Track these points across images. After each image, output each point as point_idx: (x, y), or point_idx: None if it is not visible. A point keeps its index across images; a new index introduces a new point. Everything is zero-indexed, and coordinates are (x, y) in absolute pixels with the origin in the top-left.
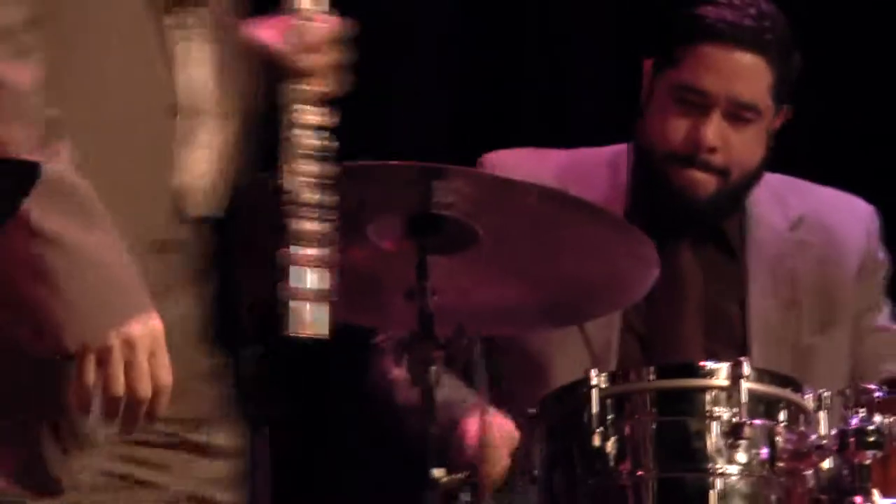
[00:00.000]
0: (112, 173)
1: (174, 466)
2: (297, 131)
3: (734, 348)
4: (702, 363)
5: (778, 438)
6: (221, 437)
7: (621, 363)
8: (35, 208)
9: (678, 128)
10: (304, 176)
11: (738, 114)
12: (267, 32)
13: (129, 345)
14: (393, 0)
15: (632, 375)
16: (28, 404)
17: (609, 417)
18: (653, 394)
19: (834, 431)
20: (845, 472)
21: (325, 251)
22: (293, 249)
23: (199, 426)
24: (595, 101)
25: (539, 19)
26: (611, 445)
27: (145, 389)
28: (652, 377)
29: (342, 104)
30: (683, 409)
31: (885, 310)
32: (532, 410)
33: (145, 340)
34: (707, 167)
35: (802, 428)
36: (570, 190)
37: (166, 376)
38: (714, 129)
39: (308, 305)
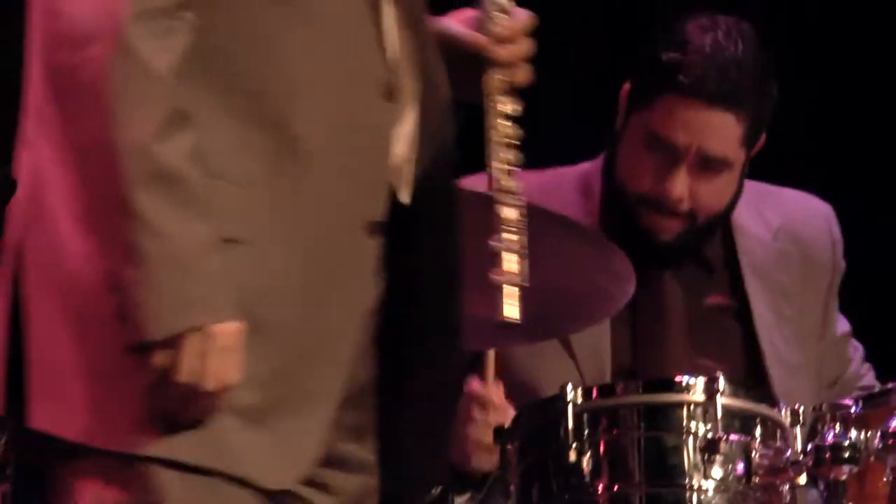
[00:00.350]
0: (338, 153)
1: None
2: (498, 120)
3: (728, 362)
4: (678, 378)
5: (754, 454)
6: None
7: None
8: (142, 194)
9: (647, 172)
10: (505, 164)
11: (707, 165)
12: (462, 24)
13: (203, 338)
14: None
15: (607, 390)
16: None
17: (585, 432)
18: (628, 409)
19: (809, 447)
20: (821, 487)
21: (524, 237)
22: (504, 235)
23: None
24: (562, 118)
25: None
26: (586, 460)
27: (209, 383)
28: (627, 392)
29: None
30: (659, 424)
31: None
32: (507, 425)
33: (220, 338)
34: (672, 214)
35: (778, 443)
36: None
37: (234, 375)
38: (681, 182)
39: (517, 290)
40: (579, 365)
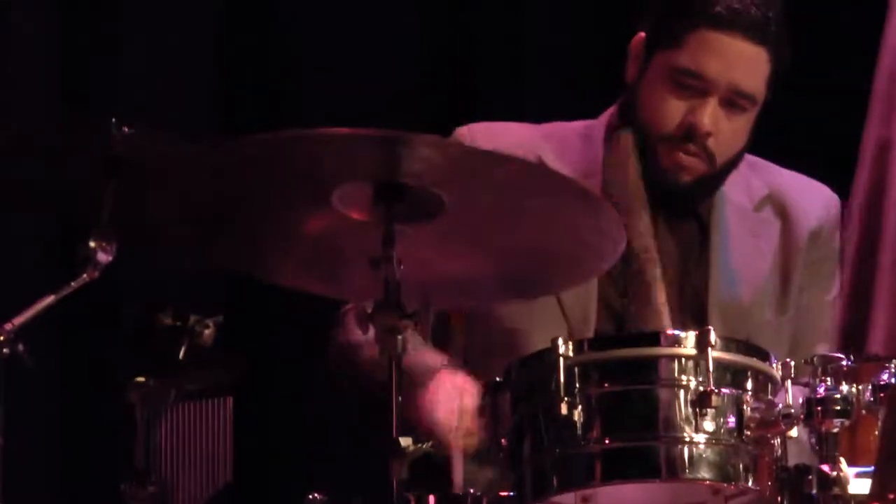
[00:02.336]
0: None
1: None
2: None
3: (698, 324)
4: (669, 332)
5: (745, 407)
6: None
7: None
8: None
9: (674, 110)
10: None
11: (735, 102)
12: None
13: None
14: None
15: (599, 344)
16: None
17: (576, 386)
18: (620, 362)
19: (801, 400)
20: (813, 440)
21: None
22: None
23: None
24: (557, 77)
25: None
26: (578, 414)
27: None
28: (619, 346)
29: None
30: (650, 377)
31: (831, 294)
32: (498, 379)
33: None
34: (698, 152)
35: (770, 396)
36: (546, 162)
37: None
38: (710, 115)
39: None
40: (569, 321)
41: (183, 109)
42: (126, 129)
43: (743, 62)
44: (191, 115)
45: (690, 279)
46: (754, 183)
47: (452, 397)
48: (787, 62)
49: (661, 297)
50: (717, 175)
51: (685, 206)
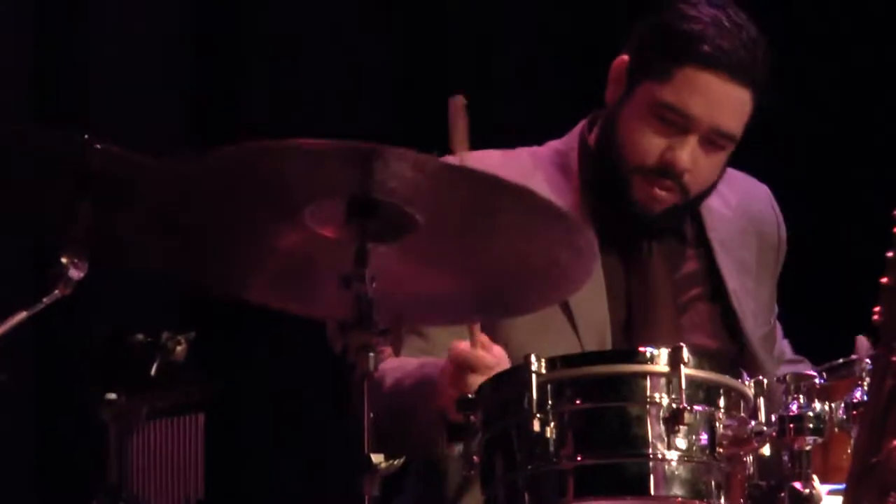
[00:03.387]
0: None
1: None
2: None
3: (711, 337)
4: (642, 349)
5: (718, 424)
6: None
7: None
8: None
9: (653, 144)
10: None
11: (715, 141)
12: None
13: None
14: None
15: (571, 361)
16: None
17: (549, 403)
18: (593, 379)
19: (774, 418)
20: (785, 458)
21: None
22: None
23: None
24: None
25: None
26: (550, 431)
27: None
28: (591, 362)
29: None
30: (623, 394)
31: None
32: (470, 395)
33: None
34: (672, 187)
35: (742, 414)
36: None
37: None
38: (690, 154)
39: None
40: (581, 339)
41: (156, 126)
42: (98, 146)
43: (728, 104)
44: (164, 132)
45: (691, 295)
46: (724, 191)
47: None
48: (766, 102)
49: (662, 315)
50: (688, 205)
51: (655, 234)
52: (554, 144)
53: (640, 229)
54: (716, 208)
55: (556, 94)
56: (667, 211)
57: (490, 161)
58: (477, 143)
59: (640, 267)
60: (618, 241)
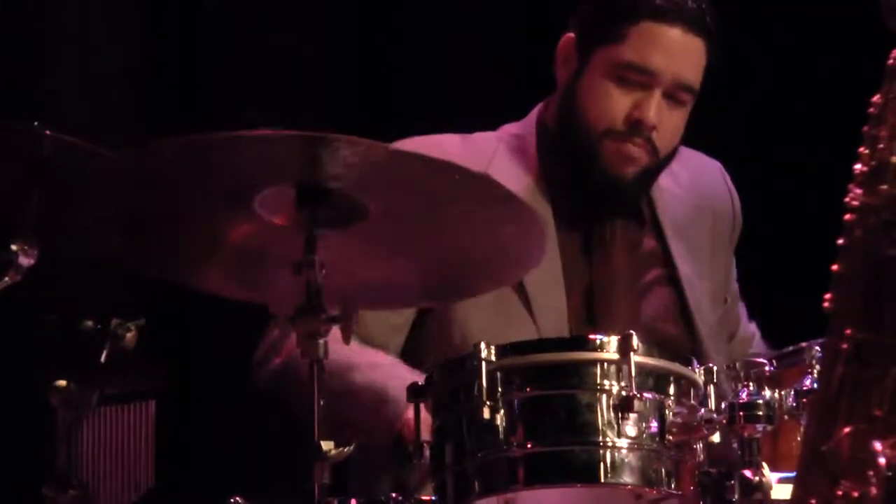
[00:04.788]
0: None
1: None
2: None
3: (670, 322)
4: (591, 336)
5: (667, 412)
6: None
7: None
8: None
9: (619, 105)
10: None
11: (677, 95)
12: None
13: None
14: None
15: (521, 348)
16: None
17: (499, 390)
18: (542, 366)
19: (723, 405)
20: (735, 445)
21: None
22: None
23: None
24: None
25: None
26: (500, 418)
27: None
28: (541, 350)
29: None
30: (573, 382)
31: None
32: (420, 383)
33: None
34: (643, 144)
35: (692, 401)
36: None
37: None
38: (656, 109)
39: None
40: (538, 325)
41: (108, 114)
42: (49, 133)
43: (685, 54)
44: (116, 120)
45: (649, 279)
46: (676, 168)
47: None
48: (718, 56)
49: (621, 300)
50: (657, 169)
51: (626, 201)
52: (510, 128)
53: (612, 198)
54: (667, 188)
55: (510, 79)
56: (638, 174)
57: (446, 146)
58: (432, 129)
59: (601, 247)
60: (578, 222)
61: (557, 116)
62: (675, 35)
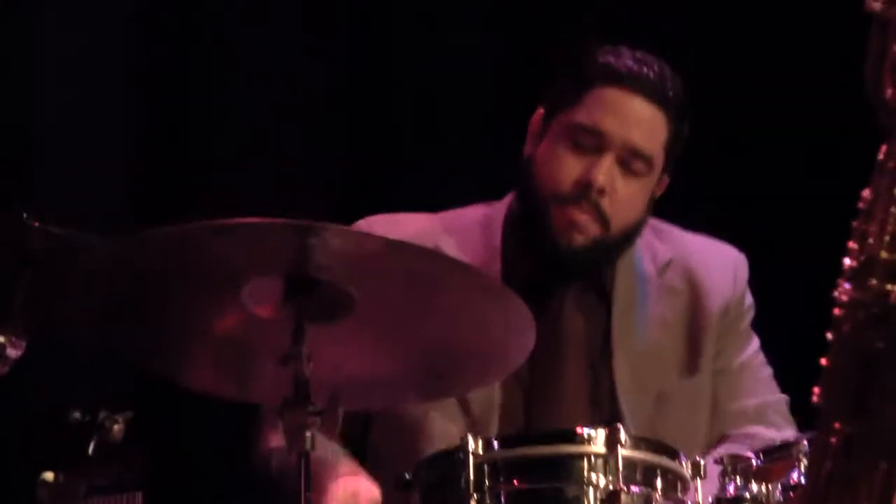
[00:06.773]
0: None
1: None
2: None
3: (611, 414)
4: (579, 430)
5: None
6: None
7: (503, 421)
8: None
9: (570, 168)
10: None
11: (630, 162)
12: None
13: None
14: (278, 57)
15: (508, 441)
16: None
17: (486, 483)
18: (529, 460)
19: (710, 499)
20: None
21: None
22: None
23: None
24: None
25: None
26: None
27: None
28: (528, 443)
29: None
30: (560, 475)
31: (749, 349)
32: (407, 476)
33: None
34: (590, 210)
35: (679, 495)
36: (446, 252)
37: None
38: (605, 172)
39: None
40: (471, 409)
41: (98, 202)
42: (37, 224)
43: (639, 120)
44: (106, 208)
45: (604, 361)
46: (658, 248)
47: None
48: (684, 135)
49: (570, 380)
50: (613, 242)
51: (577, 274)
52: (483, 207)
53: (561, 268)
54: (635, 264)
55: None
56: (587, 245)
57: (402, 224)
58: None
59: (551, 329)
60: (532, 294)
61: (518, 188)
62: (629, 100)
